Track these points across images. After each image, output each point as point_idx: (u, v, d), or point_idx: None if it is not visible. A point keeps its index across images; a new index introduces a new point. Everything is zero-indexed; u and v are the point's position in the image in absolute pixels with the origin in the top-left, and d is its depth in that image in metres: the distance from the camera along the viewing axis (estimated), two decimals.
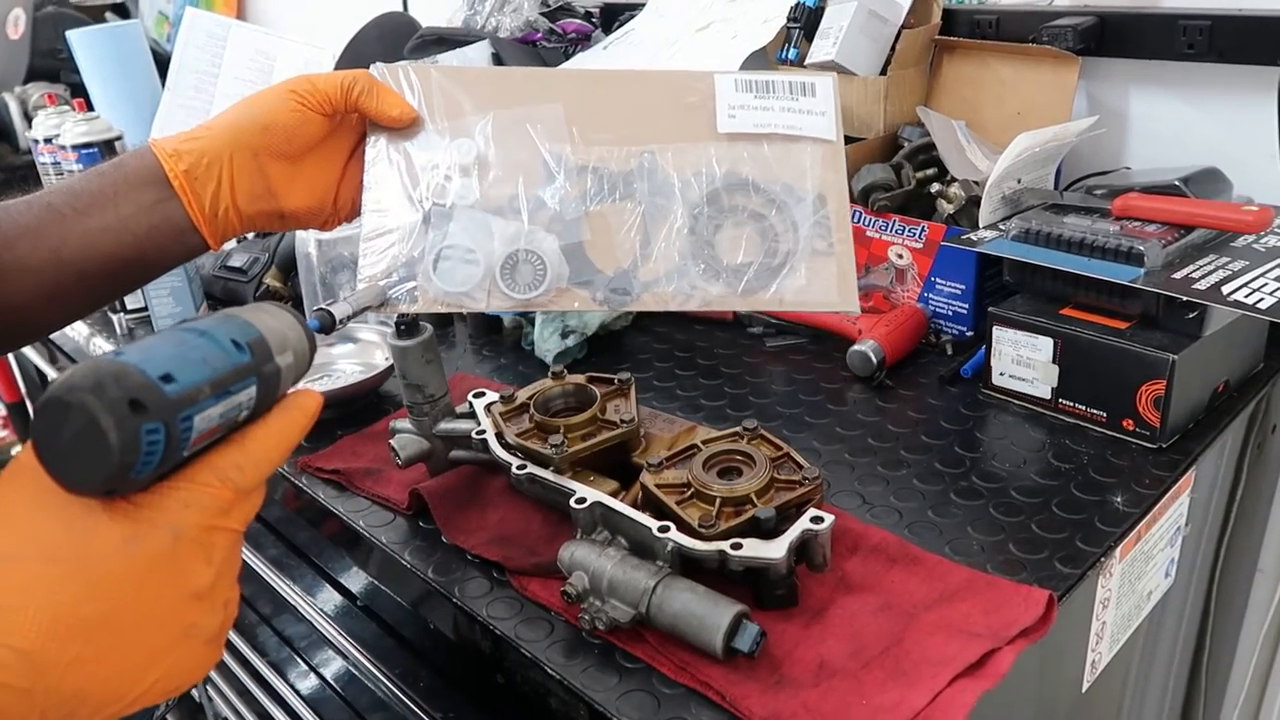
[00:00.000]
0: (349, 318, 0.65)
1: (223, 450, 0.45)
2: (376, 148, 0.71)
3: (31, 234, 0.62)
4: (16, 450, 2.17)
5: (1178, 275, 0.80)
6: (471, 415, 0.79)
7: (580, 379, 0.81)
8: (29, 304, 0.63)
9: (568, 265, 0.70)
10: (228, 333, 0.46)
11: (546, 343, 1.02)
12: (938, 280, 1.01)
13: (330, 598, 0.97)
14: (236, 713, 1.19)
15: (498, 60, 1.41)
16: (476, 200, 0.71)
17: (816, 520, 0.64)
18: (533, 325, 1.04)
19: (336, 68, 1.56)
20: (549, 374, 0.82)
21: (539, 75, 0.77)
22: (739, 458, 0.71)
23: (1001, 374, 0.90)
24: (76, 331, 1.29)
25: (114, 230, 0.63)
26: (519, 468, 0.73)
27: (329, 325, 0.63)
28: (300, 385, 0.50)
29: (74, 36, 1.75)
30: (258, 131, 0.66)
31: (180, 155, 0.64)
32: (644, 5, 1.39)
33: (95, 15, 2.27)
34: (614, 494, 0.70)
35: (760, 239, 0.71)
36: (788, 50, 1.16)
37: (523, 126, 0.72)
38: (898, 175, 1.05)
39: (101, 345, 1.21)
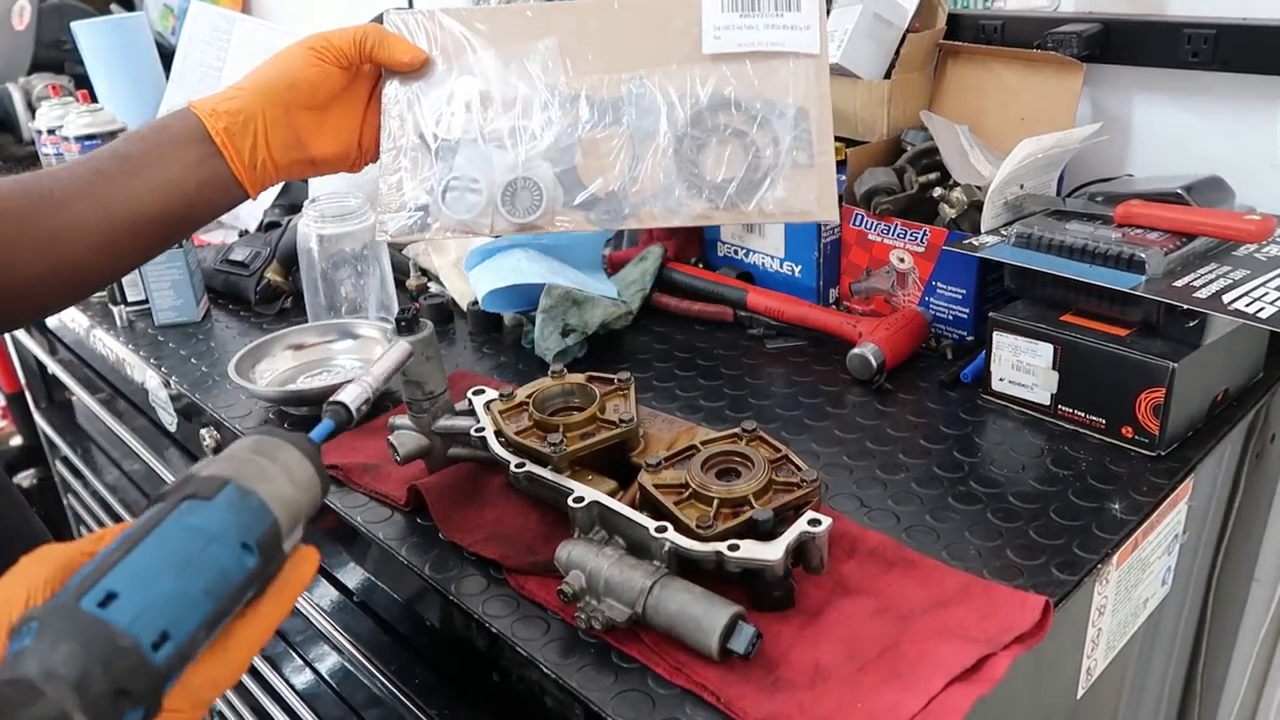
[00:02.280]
0: (366, 403, 0.63)
1: (202, 664, 0.43)
2: (391, 92, 0.77)
3: (86, 196, 0.67)
4: (16, 441, 2.16)
5: (1179, 283, 0.80)
6: (471, 413, 0.80)
7: (580, 378, 0.81)
8: (85, 262, 0.68)
9: (563, 190, 0.75)
10: (240, 532, 0.43)
11: (546, 341, 1.02)
12: (939, 284, 1.01)
13: (326, 593, 0.97)
14: (231, 707, 1.19)
15: None
16: (479, 134, 0.76)
17: (814, 523, 0.64)
18: (533, 323, 1.04)
19: None
20: (549, 372, 0.82)
21: (538, 10, 0.80)
22: (737, 459, 0.71)
23: (1001, 379, 0.90)
24: (76, 323, 1.29)
25: (163, 188, 0.69)
26: (517, 466, 0.73)
27: (345, 421, 0.60)
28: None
29: (79, 28, 1.75)
30: (285, 88, 0.72)
31: (218, 114, 0.70)
32: None
33: (100, 7, 2.27)
34: (612, 493, 0.70)
35: (743, 154, 0.74)
36: None
37: (520, 62, 0.77)
38: (900, 179, 1.05)
39: (102, 337, 1.22)
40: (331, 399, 0.61)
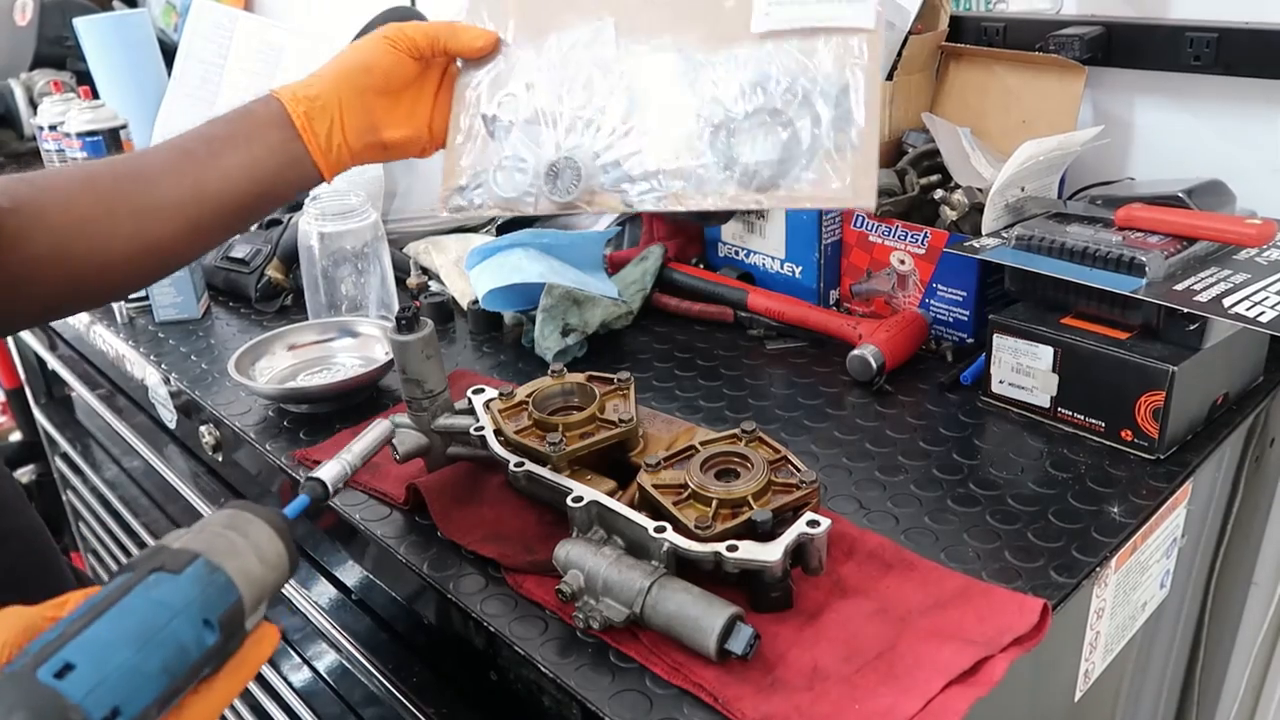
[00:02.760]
0: (344, 480, 0.68)
1: None
2: (463, 77, 0.81)
3: (174, 174, 0.71)
4: (15, 437, 2.16)
5: (1179, 287, 0.80)
6: (470, 411, 0.80)
7: (580, 378, 0.81)
8: (171, 239, 0.71)
9: (601, 170, 0.76)
10: (204, 608, 0.43)
11: (546, 340, 1.02)
12: (939, 286, 1.01)
13: (325, 591, 0.97)
14: (230, 705, 1.19)
15: None
16: (531, 115, 0.78)
17: (813, 524, 0.64)
18: (533, 323, 1.04)
19: None
20: (548, 372, 0.82)
21: None
22: (737, 460, 0.71)
23: (1001, 382, 0.90)
24: (78, 319, 1.29)
25: (247, 168, 0.72)
26: (516, 465, 0.73)
27: (322, 498, 0.65)
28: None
29: (81, 24, 1.75)
30: (361, 72, 0.75)
31: (299, 99, 0.74)
32: None
33: (103, 3, 2.27)
34: (611, 493, 0.70)
35: (780, 135, 0.72)
36: None
37: (577, 45, 0.79)
38: (901, 181, 1.05)
39: (102, 333, 1.22)
40: (310, 475, 0.65)
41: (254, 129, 0.73)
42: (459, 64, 0.81)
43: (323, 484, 0.65)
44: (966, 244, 0.92)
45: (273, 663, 1.06)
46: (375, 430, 0.73)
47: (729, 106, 0.74)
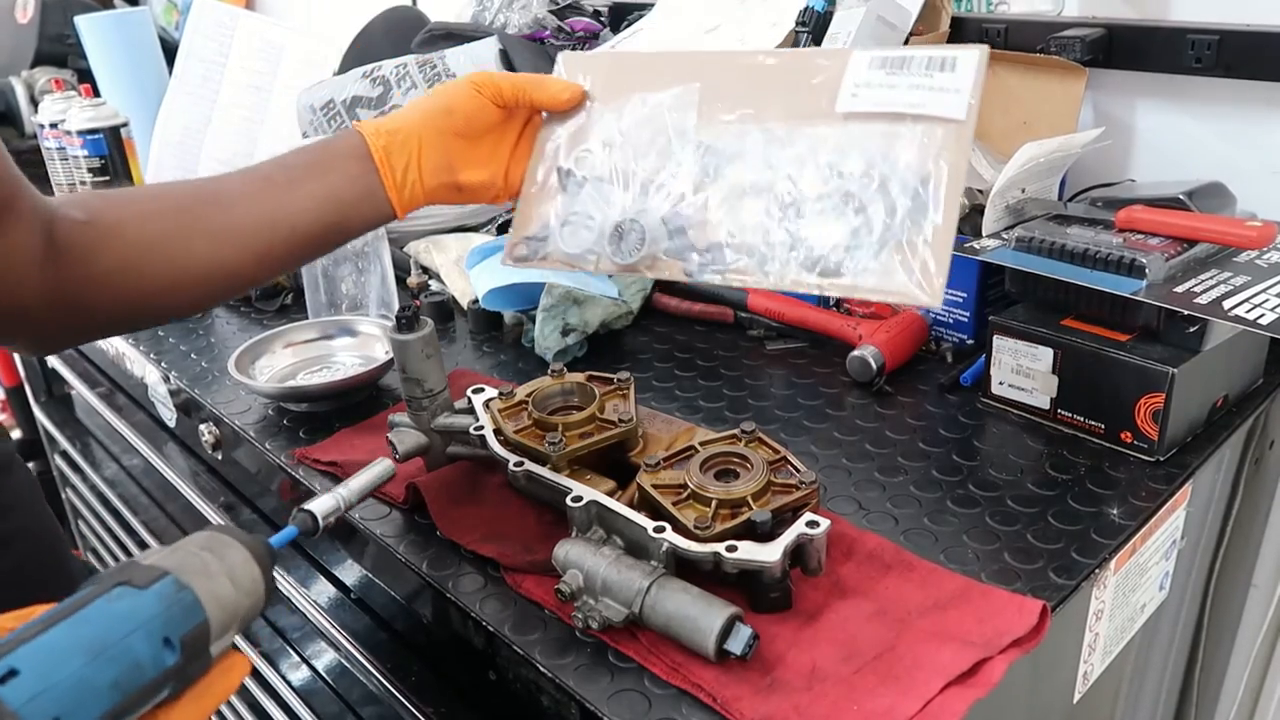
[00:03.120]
0: (335, 516, 0.66)
1: None
2: (545, 129, 0.80)
3: (249, 199, 0.71)
4: (16, 435, 2.17)
5: (1179, 289, 0.80)
6: (470, 411, 0.80)
7: (580, 377, 0.81)
8: (240, 263, 0.71)
9: (666, 235, 0.74)
10: (165, 626, 0.42)
11: (547, 340, 1.02)
12: None
13: (324, 590, 0.97)
14: (228, 703, 1.19)
15: (505, 57, 1.41)
16: (606, 173, 0.77)
17: (812, 524, 0.64)
18: (533, 322, 1.04)
19: (344, 60, 1.56)
20: (548, 372, 0.82)
21: (690, 58, 0.80)
22: (736, 460, 0.71)
23: (1001, 383, 0.90)
24: None
25: (320, 198, 0.72)
26: (516, 465, 0.73)
27: (312, 530, 0.64)
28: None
29: (82, 22, 1.75)
30: (443, 113, 0.75)
31: (380, 133, 0.74)
32: (653, 5, 1.39)
33: (104, 1, 2.27)
34: (611, 493, 0.70)
35: (852, 221, 0.69)
36: None
37: (661, 107, 0.77)
38: None
39: None
40: (302, 506, 0.64)
41: (332, 159, 0.73)
42: (543, 116, 0.80)
43: (313, 516, 0.64)
44: (967, 245, 0.92)
45: (272, 662, 1.06)
46: (375, 469, 0.73)
47: (802, 186, 0.71)
